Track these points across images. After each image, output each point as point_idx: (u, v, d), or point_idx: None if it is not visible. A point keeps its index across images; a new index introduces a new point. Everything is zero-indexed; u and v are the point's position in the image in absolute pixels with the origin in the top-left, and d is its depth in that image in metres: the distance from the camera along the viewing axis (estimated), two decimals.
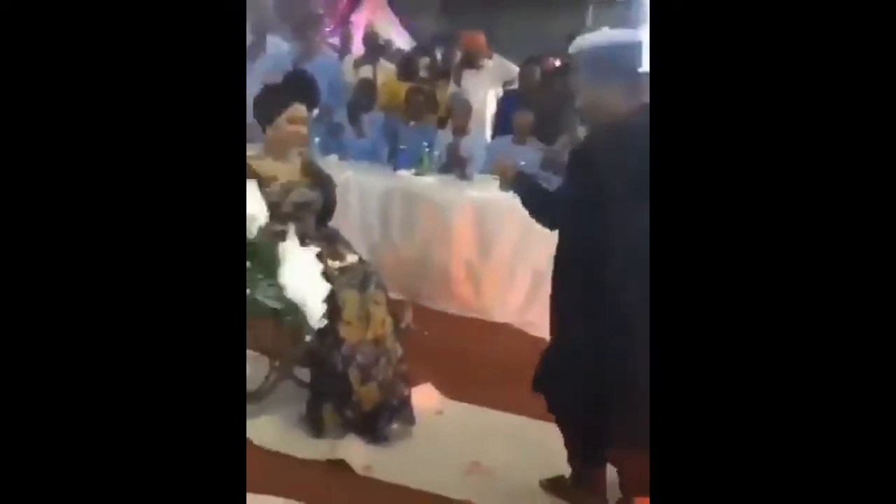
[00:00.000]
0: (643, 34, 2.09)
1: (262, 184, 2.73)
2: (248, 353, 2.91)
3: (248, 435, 2.63)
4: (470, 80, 5.05)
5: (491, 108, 5.08)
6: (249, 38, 5.01)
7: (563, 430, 2.28)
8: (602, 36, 2.17)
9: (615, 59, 2.09)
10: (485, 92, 5.03)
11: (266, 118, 2.86)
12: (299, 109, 2.84)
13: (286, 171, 2.86)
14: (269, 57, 4.89)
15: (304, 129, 2.90)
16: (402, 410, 2.73)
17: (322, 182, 2.94)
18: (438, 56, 5.73)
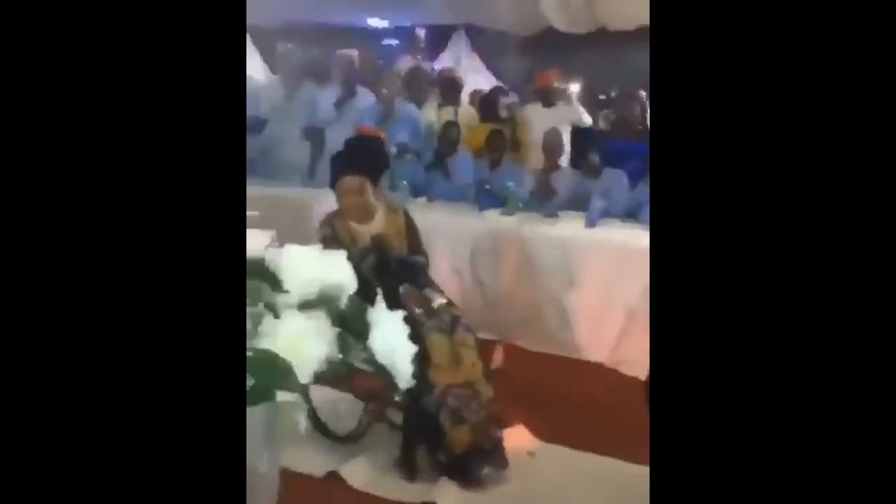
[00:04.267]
0: None
1: (342, 246, 2.82)
2: (343, 395, 3.00)
3: (343, 476, 2.69)
4: (541, 117, 5.10)
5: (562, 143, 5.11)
6: (336, 91, 5.24)
7: None
8: None
9: None
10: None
11: (332, 185, 2.90)
12: (352, 181, 2.84)
13: (367, 232, 2.88)
14: (355, 108, 5.12)
15: (360, 201, 2.85)
16: (494, 453, 2.72)
17: (410, 238, 2.97)
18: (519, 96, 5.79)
